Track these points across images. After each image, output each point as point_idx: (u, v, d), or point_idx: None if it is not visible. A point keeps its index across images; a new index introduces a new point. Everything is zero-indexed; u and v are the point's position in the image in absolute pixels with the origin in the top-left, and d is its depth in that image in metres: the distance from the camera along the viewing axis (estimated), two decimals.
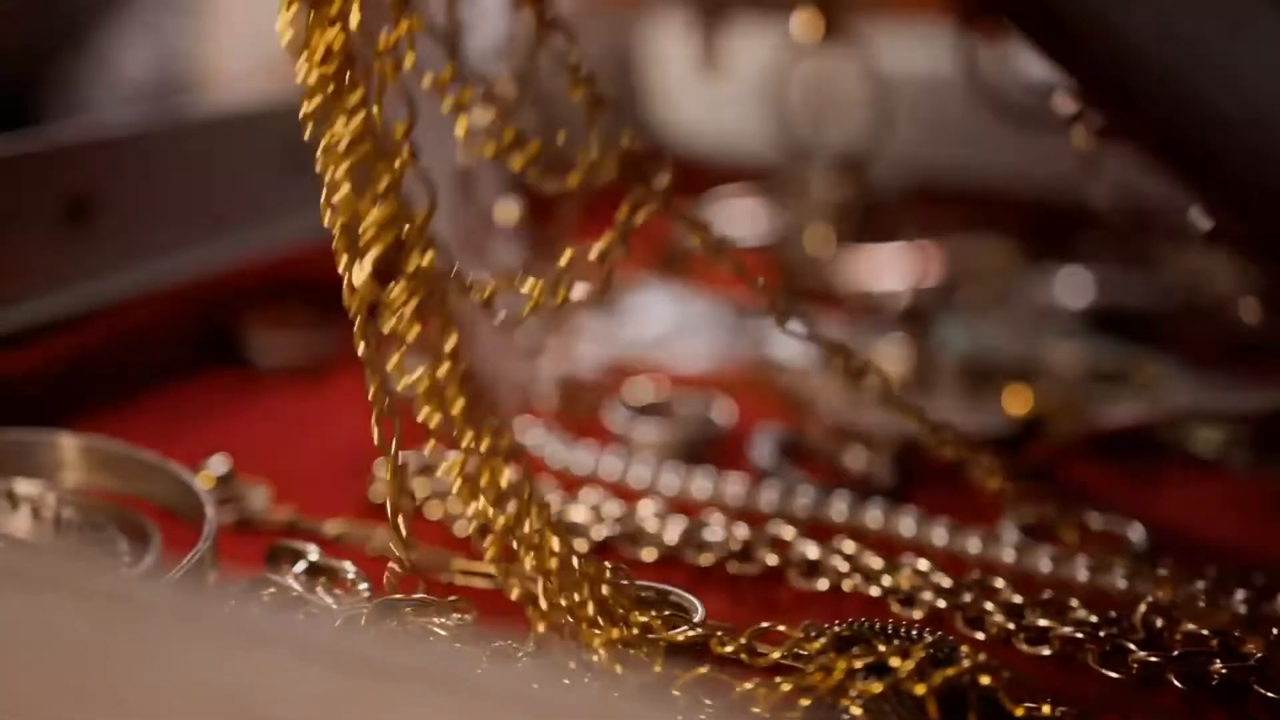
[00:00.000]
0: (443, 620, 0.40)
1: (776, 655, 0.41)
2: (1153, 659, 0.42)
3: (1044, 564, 0.47)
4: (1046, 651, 0.43)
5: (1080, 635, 0.43)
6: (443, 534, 0.49)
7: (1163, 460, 0.57)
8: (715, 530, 0.48)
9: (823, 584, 0.46)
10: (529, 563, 0.40)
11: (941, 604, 0.45)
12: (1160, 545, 0.49)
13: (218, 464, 0.50)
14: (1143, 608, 0.43)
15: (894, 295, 0.68)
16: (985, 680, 0.37)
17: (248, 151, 0.64)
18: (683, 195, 0.83)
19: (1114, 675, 0.42)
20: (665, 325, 0.68)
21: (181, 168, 0.61)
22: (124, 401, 0.57)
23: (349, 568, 0.43)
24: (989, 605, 0.44)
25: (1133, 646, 0.42)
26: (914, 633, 0.40)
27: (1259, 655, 0.41)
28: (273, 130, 0.65)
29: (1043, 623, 0.43)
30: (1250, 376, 0.63)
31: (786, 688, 0.37)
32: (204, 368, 0.61)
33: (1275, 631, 0.42)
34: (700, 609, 0.42)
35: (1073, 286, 0.65)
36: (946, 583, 0.45)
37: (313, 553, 0.44)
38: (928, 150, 0.82)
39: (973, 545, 0.48)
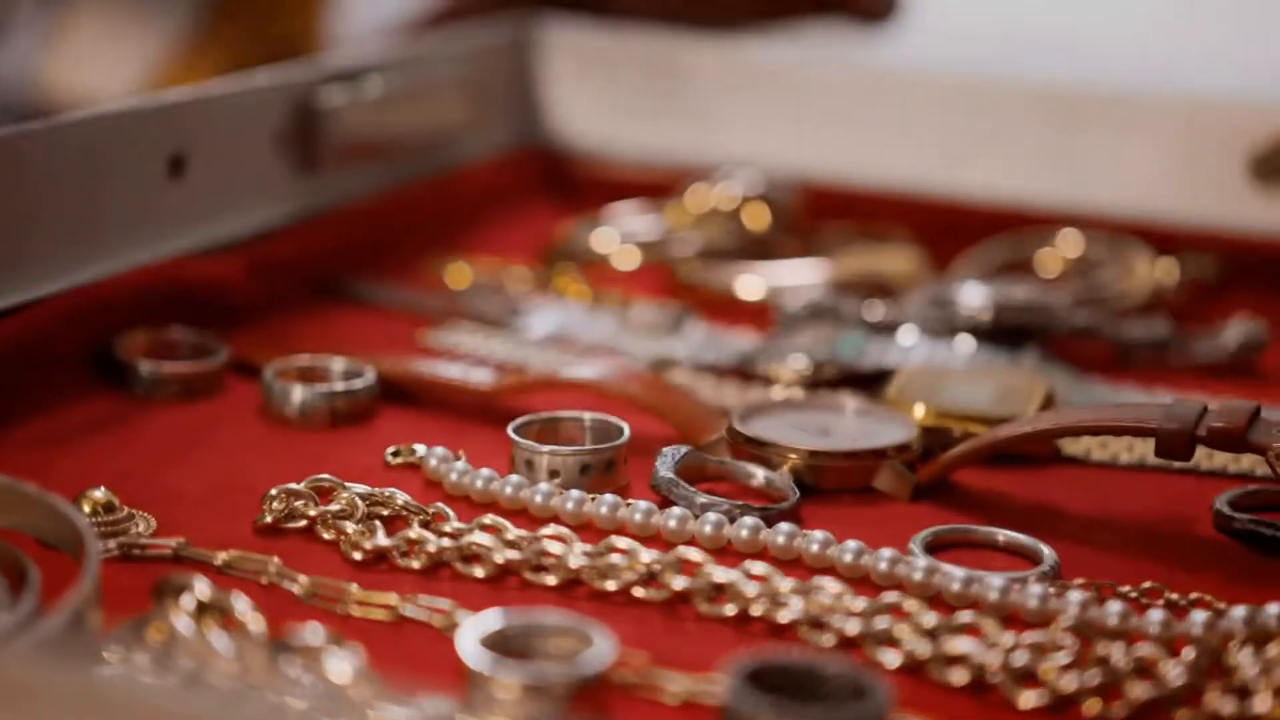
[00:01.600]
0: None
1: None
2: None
3: (954, 584, 0.46)
4: (962, 679, 0.42)
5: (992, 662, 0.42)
6: (336, 561, 0.48)
7: (1064, 469, 0.56)
8: (617, 555, 0.46)
9: (730, 609, 0.45)
10: None
11: (852, 630, 0.44)
12: (1069, 560, 0.49)
13: (99, 493, 0.48)
14: (1058, 628, 0.43)
15: (795, 304, 0.66)
16: None
17: (126, 157, 0.62)
18: (579, 200, 0.82)
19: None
20: (555, 335, 0.66)
21: (54, 175, 0.59)
22: None
23: (242, 604, 0.41)
24: (901, 631, 0.43)
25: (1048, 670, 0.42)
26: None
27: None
28: (153, 134, 0.63)
29: (958, 648, 0.42)
30: (1140, 385, 0.63)
31: None
32: (79, 391, 0.58)
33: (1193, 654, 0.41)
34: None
35: (973, 295, 0.65)
36: (858, 606, 0.44)
37: (201, 586, 0.42)
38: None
39: (881, 564, 0.47)
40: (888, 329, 0.66)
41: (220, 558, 0.46)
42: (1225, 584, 0.48)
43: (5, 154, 0.57)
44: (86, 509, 0.48)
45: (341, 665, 0.39)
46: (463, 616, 0.43)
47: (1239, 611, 0.44)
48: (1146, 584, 0.47)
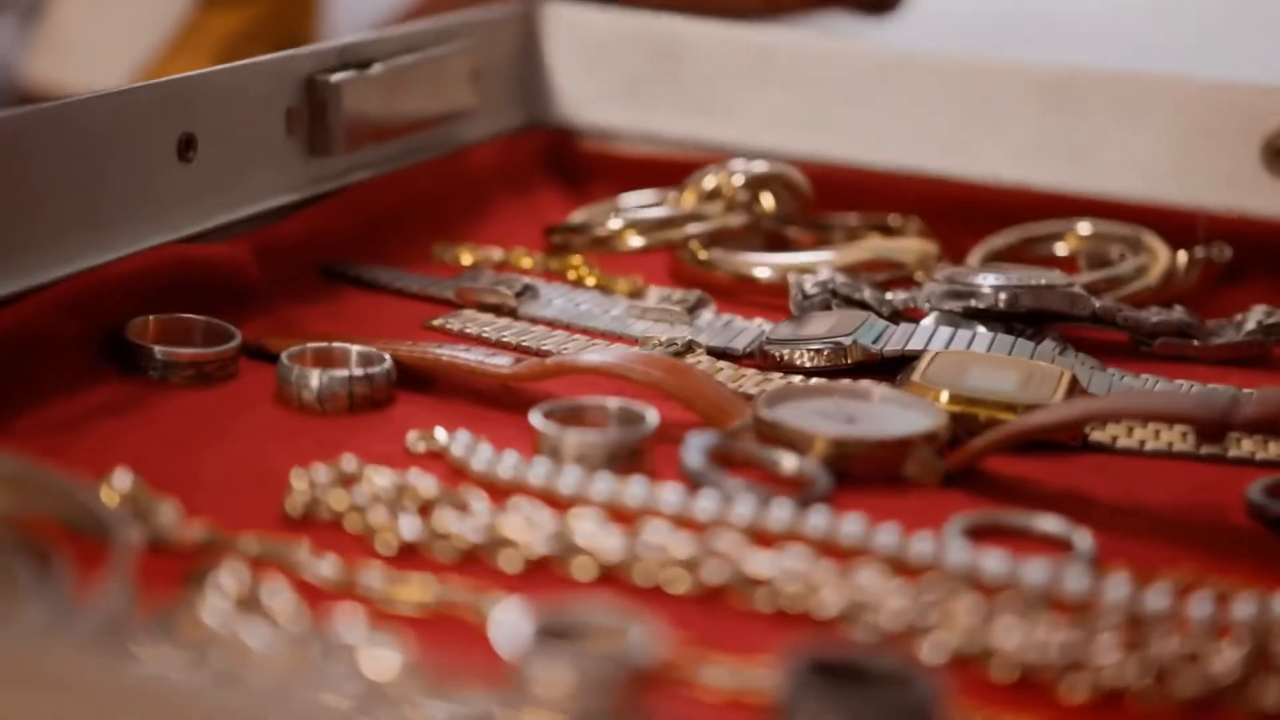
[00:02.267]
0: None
1: None
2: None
3: (995, 569, 0.45)
4: (1008, 670, 0.42)
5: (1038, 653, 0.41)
6: (365, 549, 0.47)
7: (1091, 457, 0.56)
8: (652, 544, 0.46)
9: (770, 600, 0.44)
10: None
11: (897, 620, 0.43)
12: (1103, 547, 0.48)
13: (121, 479, 0.47)
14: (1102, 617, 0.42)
15: (810, 288, 0.66)
16: None
17: (135, 137, 0.61)
18: (587, 184, 0.81)
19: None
20: (567, 320, 0.66)
21: (61, 158, 0.58)
22: (4, 414, 0.53)
23: (279, 596, 0.40)
24: (945, 621, 0.43)
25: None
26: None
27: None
28: (163, 114, 0.62)
29: (1004, 637, 0.42)
30: (1161, 373, 0.63)
31: None
32: (91, 376, 0.57)
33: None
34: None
35: (990, 280, 0.64)
36: (903, 605, 0.43)
37: (235, 577, 0.41)
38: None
39: (921, 550, 0.46)
40: (906, 314, 0.65)
41: (250, 545, 0.45)
42: (1264, 572, 0.47)
43: (11, 137, 0.56)
44: (111, 494, 0.47)
45: (382, 659, 0.38)
46: (498, 608, 0.43)
47: None
48: (1186, 572, 0.47)
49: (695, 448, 0.52)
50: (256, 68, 0.66)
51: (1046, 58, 0.81)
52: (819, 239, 0.76)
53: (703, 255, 0.72)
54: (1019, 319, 0.64)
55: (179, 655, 0.37)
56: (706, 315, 0.67)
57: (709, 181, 0.74)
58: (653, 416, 0.53)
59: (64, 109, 0.58)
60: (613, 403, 0.54)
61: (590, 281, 0.71)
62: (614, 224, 0.72)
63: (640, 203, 0.76)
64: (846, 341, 0.61)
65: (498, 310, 0.66)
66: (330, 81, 0.69)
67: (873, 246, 0.73)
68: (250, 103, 0.66)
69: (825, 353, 0.60)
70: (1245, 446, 0.56)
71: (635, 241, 0.72)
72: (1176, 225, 0.74)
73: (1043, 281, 0.64)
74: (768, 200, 0.74)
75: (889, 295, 0.66)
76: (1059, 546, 0.48)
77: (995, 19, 1.12)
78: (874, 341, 0.61)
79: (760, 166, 0.75)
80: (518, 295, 0.66)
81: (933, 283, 0.65)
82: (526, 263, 0.73)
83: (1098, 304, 0.64)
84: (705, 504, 0.48)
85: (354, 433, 0.55)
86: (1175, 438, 0.56)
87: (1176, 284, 0.71)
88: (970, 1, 0.98)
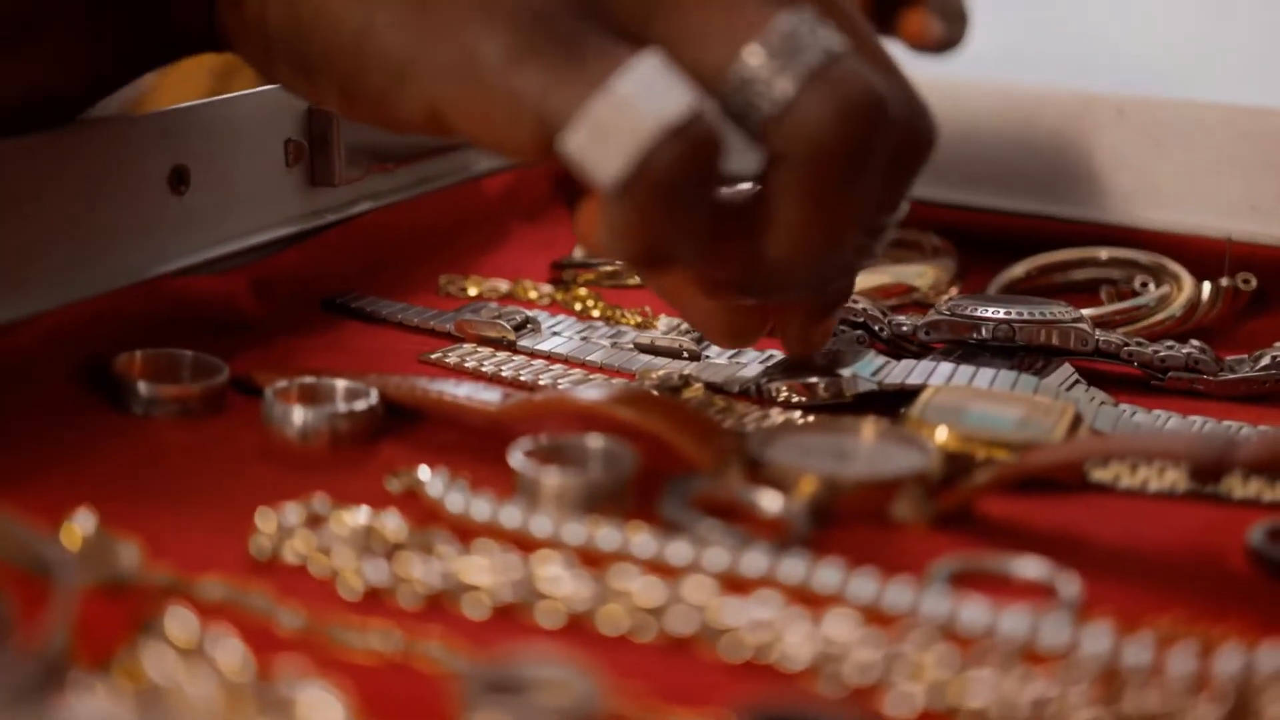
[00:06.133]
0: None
1: None
2: None
3: (970, 619, 0.44)
4: None
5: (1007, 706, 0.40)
6: (329, 593, 0.46)
7: (1091, 497, 0.54)
8: (618, 591, 0.45)
9: (735, 649, 0.43)
10: None
11: (864, 672, 0.42)
12: (1093, 592, 0.46)
13: (83, 519, 0.47)
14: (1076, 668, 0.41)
15: None
16: None
17: (126, 169, 0.60)
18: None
19: None
20: (568, 353, 0.65)
21: (52, 188, 0.57)
22: None
23: (223, 645, 0.39)
24: (915, 673, 0.41)
25: None
26: None
27: None
28: (155, 146, 0.61)
29: (973, 690, 0.40)
30: (1175, 408, 0.61)
31: None
32: (75, 410, 0.56)
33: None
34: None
35: (997, 312, 0.63)
36: (872, 656, 0.42)
37: (181, 625, 0.40)
38: None
39: (895, 598, 0.45)
40: (911, 344, 0.64)
41: (207, 591, 0.45)
42: (1258, 620, 0.46)
43: (2, 166, 0.56)
44: (70, 536, 0.46)
45: (323, 712, 0.37)
46: (455, 658, 0.42)
47: (1272, 656, 0.42)
48: (1174, 620, 0.45)
49: (676, 490, 0.50)
50: (254, 99, 0.66)
51: (1084, 82, 0.79)
52: None
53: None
54: (1026, 351, 0.62)
55: (116, 703, 0.36)
56: (715, 347, 0.65)
57: None
58: (634, 457, 0.52)
59: (53, 139, 0.58)
60: (595, 441, 0.53)
61: (596, 313, 0.70)
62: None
63: None
64: (845, 374, 0.59)
65: (497, 344, 0.65)
66: (332, 114, 0.68)
67: (889, 271, 0.72)
68: (247, 134, 0.65)
69: (821, 387, 0.59)
70: (1252, 487, 0.54)
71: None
72: (1201, 254, 0.72)
73: (1042, 315, 0.62)
74: None
75: (900, 319, 0.64)
76: (1044, 592, 0.47)
77: (1033, 45, 1.10)
78: (873, 375, 0.60)
79: None
80: (517, 329, 0.65)
81: (936, 313, 0.64)
82: (533, 295, 0.72)
83: (1101, 338, 0.62)
84: (678, 550, 0.47)
85: (335, 470, 0.54)
86: (1180, 478, 0.54)
87: (1201, 314, 0.70)
88: (1007, 28, 0.97)
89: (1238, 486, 0.54)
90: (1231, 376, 0.63)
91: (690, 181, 0.47)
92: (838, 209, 0.49)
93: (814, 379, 0.59)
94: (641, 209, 0.47)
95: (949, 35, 0.92)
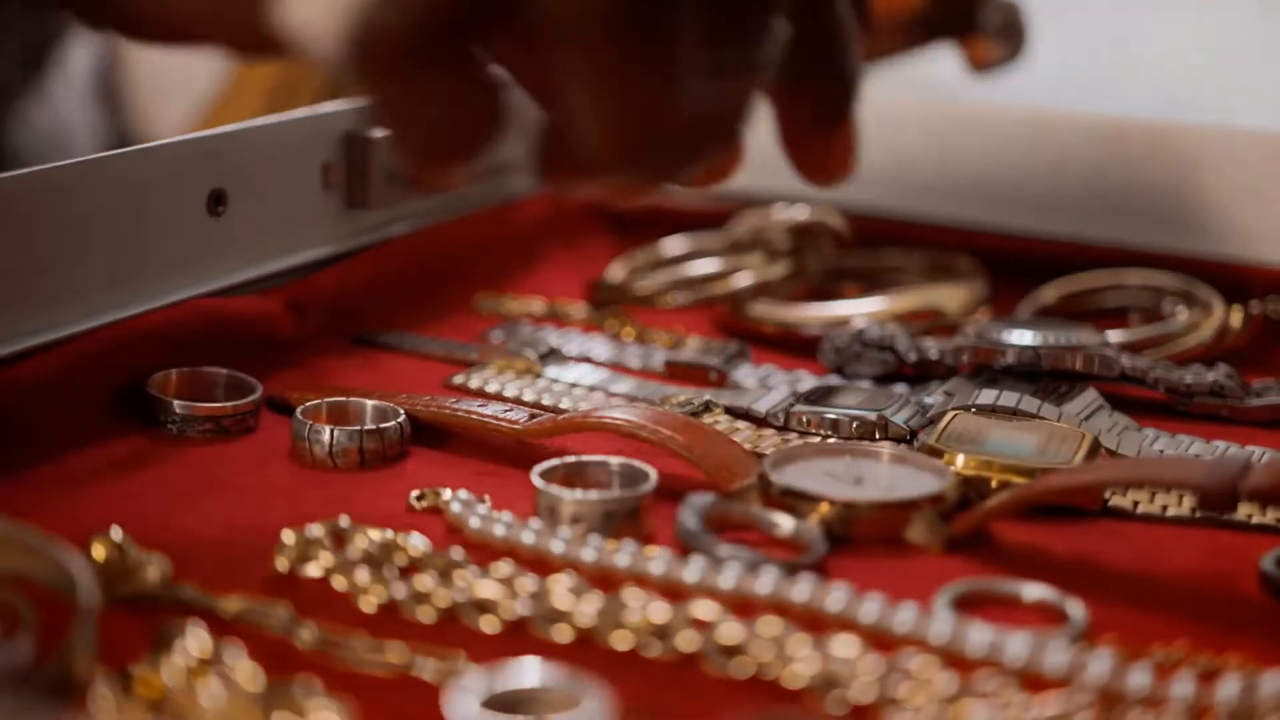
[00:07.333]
0: None
1: None
2: None
3: (975, 643, 0.44)
4: None
5: None
6: (348, 609, 0.47)
7: (1107, 523, 0.54)
8: (633, 609, 0.45)
9: (741, 669, 0.44)
10: None
11: (866, 693, 0.42)
12: (1103, 618, 0.47)
13: (110, 537, 0.48)
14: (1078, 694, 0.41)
15: (843, 340, 0.65)
16: None
17: (165, 191, 0.62)
18: (632, 234, 0.81)
19: None
20: (598, 375, 0.65)
21: (93, 212, 0.59)
22: (18, 463, 0.54)
23: (237, 658, 0.40)
24: (915, 696, 0.42)
25: None
26: None
27: None
28: (193, 169, 0.63)
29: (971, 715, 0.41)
30: (1200, 434, 0.61)
31: None
32: (112, 429, 0.58)
33: None
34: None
35: (1020, 337, 0.63)
36: (872, 675, 0.42)
37: (196, 639, 0.41)
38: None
39: (902, 622, 0.46)
40: (936, 369, 0.64)
41: (227, 606, 0.46)
42: (1268, 647, 0.46)
43: (45, 190, 0.57)
44: (99, 551, 0.47)
45: None
46: (467, 673, 0.42)
47: (1274, 682, 0.42)
48: (1180, 646, 0.45)
49: (692, 510, 0.51)
50: (292, 123, 0.67)
51: (1116, 107, 0.79)
52: (868, 285, 0.75)
53: (748, 309, 0.72)
54: (1050, 376, 0.63)
55: (131, 715, 0.37)
56: (744, 368, 0.66)
57: (750, 227, 0.74)
58: (653, 476, 0.53)
59: (93, 165, 0.60)
60: (615, 461, 0.54)
61: (628, 335, 0.71)
62: (655, 282, 0.72)
63: (680, 251, 0.76)
64: (872, 417, 0.59)
65: (532, 366, 0.66)
66: (369, 137, 0.69)
67: (919, 294, 0.72)
68: (285, 157, 0.67)
69: (854, 426, 0.59)
70: (1270, 515, 0.54)
71: (679, 299, 0.72)
72: (1232, 279, 0.72)
73: (1068, 341, 0.62)
74: (814, 245, 0.74)
75: (927, 343, 0.65)
76: (1052, 616, 0.47)
77: (1065, 69, 1.10)
78: (906, 421, 0.60)
79: (807, 211, 0.74)
80: (543, 358, 0.66)
81: (962, 338, 0.64)
82: (570, 314, 0.73)
83: (1127, 363, 0.63)
84: (691, 570, 0.48)
85: (362, 488, 0.55)
86: (1197, 504, 0.55)
87: (1231, 339, 0.70)
88: (1038, 52, 0.97)
89: (1255, 513, 0.54)
90: (1258, 402, 0.63)
91: (438, 34, 0.38)
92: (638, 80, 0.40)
93: (841, 414, 0.59)
94: (378, 78, 0.38)
95: (1008, 53, 0.94)
